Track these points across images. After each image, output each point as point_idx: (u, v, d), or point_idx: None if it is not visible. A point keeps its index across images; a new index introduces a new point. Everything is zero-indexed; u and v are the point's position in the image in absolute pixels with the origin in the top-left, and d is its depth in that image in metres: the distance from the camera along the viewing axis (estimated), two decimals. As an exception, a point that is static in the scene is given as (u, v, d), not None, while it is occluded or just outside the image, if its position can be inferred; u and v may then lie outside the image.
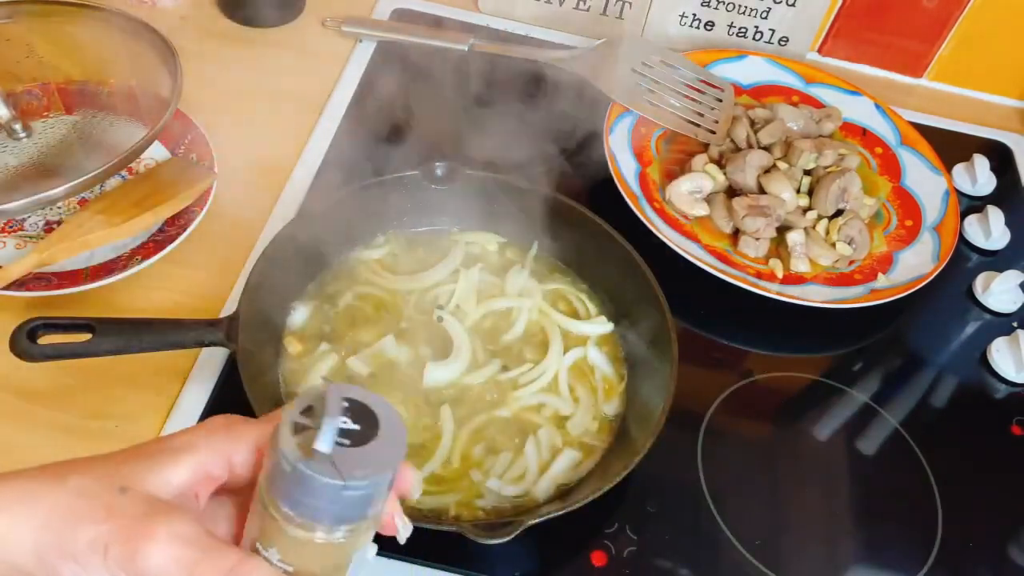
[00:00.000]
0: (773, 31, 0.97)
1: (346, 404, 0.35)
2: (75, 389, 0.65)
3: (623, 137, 0.84)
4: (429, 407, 0.64)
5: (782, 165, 0.81)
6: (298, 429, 0.34)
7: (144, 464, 0.39)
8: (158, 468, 0.38)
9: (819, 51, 1.00)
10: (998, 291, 0.79)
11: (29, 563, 0.36)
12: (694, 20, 0.97)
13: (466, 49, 0.91)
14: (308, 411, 0.35)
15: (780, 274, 0.77)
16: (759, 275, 0.77)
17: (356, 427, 0.35)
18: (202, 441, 0.39)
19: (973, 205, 0.88)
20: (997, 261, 0.84)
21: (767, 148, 0.83)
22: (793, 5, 0.94)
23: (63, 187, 0.64)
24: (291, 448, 0.33)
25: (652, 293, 0.66)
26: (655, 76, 0.88)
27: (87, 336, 0.59)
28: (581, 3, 0.97)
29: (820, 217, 0.80)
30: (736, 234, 0.79)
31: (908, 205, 0.84)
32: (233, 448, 0.39)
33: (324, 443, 0.33)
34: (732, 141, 0.85)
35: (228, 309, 0.70)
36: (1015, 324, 0.79)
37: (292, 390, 0.64)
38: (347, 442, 0.34)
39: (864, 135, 0.90)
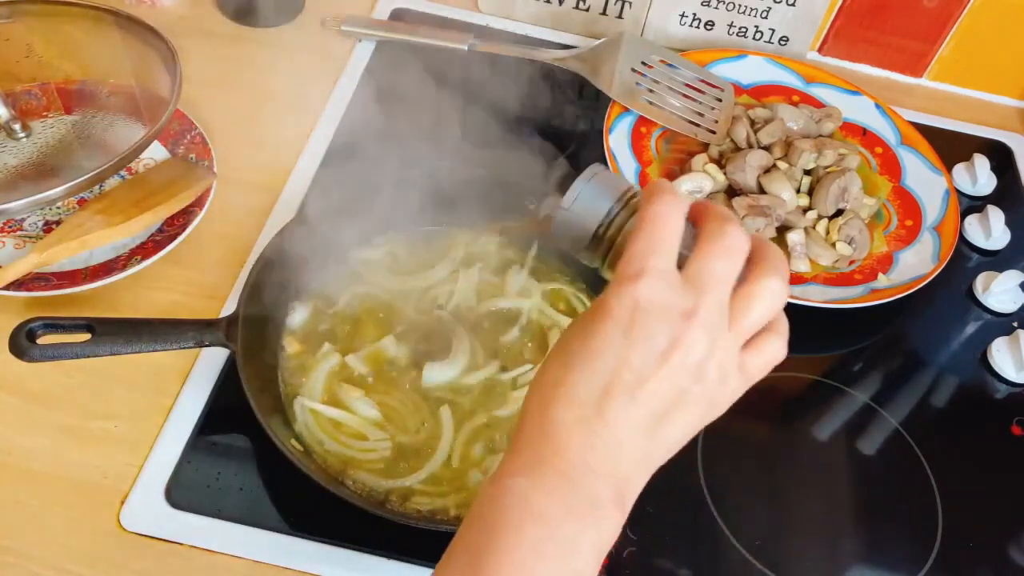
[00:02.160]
0: (773, 31, 0.97)
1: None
2: (75, 389, 0.65)
3: (623, 137, 0.84)
4: (428, 407, 0.64)
5: (782, 165, 0.81)
6: None
7: None
8: None
9: (819, 51, 1.00)
10: (998, 291, 0.79)
11: None
12: (694, 20, 0.97)
13: (466, 49, 0.91)
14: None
15: (780, 274, 0.77)
16: (759, 275, 0.76)
17: None
18: None
19: (973, 205, 0.88)
20: (997, 261, 0.84)
21: (767, 148, 0.83)
22: (793, 5, 0.94)
23: (62, 187, 0.64)
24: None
25: (652, 293, 0.66)
26: (655, 76, 0.88)
27: (86, 336, 0.59)
28: (581, 3, 0.97)
29: (820, 217, 0.80)
30: (736, 234, 0.79)
31: (908, 205, 0.84)
32: None
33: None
34: (732, 141, 0.85)
35: (228, 309, 0.70)
36: (1015, 324, 0.79)
37: (292, 390, 0.64)
38: None
39: (864, 135, 0.90)
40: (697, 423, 0.42)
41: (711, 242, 0.41)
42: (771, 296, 0.41)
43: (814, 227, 0.79)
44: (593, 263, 0.46)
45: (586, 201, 0.44)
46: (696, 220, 0.43)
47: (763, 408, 0.71)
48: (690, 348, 0.39)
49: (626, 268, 0.40)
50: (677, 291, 0.39)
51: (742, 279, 0.41)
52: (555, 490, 0.39)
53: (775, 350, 0.43)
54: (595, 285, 0.72)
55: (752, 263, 0.42)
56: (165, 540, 0.58)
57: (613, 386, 0.39)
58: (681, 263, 0.41)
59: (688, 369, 0.39)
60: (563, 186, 0.45)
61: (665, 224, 0.40)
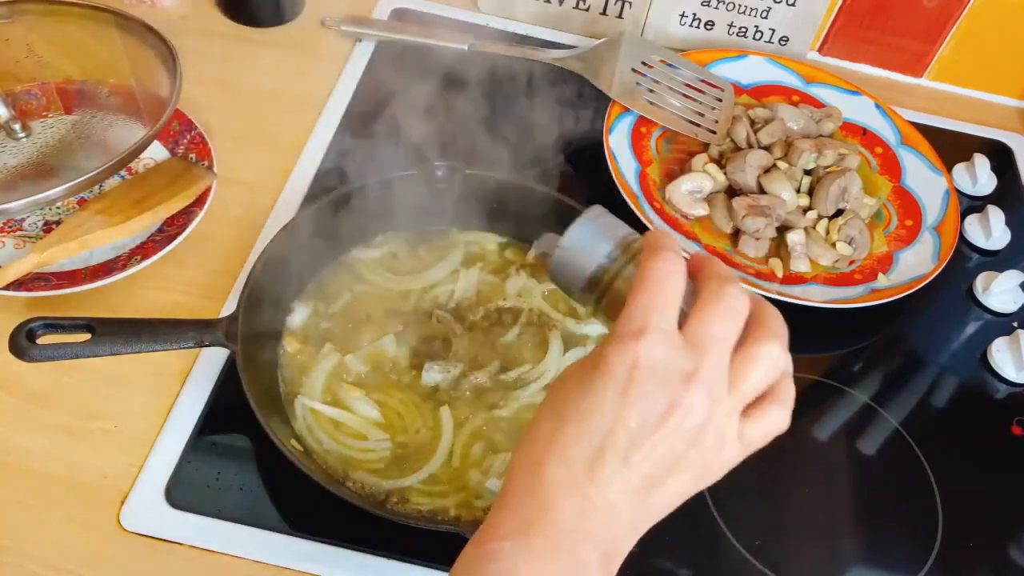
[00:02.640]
0: (773, 31, 0.97)
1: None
2: (74, 389, 0.65)
3: (623, 137, 0.84)
4: (428, 407, 0.64)
5: (782, 165, 0.81)
6: None
7: None
8: None
9: (819, 51, 1.00)
10: (998, 291, 0.79)
11: None
12: (694, 20, 0.97)
13: (466, 49, 0.91)
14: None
15: (780, 274, 0.77)
16: (759, 275, 0.76)
17: None
18: None
19: (973, 205, 0.88)
20: (997, 261, 0.84)
21: (767, 148, 0.83)
22: (793, 5, 0.94)
23: (62, 187, 0.64)
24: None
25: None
26: (655, 76, 0.88)
27: (86, 336, 0.59)
28: (581, 3, 0.97)
29: (820, 217, 0.80)
30: (736, 234, 0.79)
31: (908, 205, 0.84)
32: None
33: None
34: (732, 141, 0.85)
35: (228, 309, 0.70)
36: (1015, 324, 0.79)
37: (292, 390, 0.64)
38: None
39: (864, 135, 0.90)
40: (691, 489, 0.41)
41: (712, 303, 0.40)
42: (770, 361, 0.41)
43: (814, 227, 0.79)
44: (586, 305, 0.46)
45: (585, 243, 0.44)
46: (695, 276, 0.42)
47: (763, 408, 0.71)
48: (688, 412, 0.38)
49: (627, 325, 0.39)
50: (678, 352, 0.39)
51: (741, 342, 0.40)
52: (541, 558, 0.38)
53: (777, 420, 0.42)
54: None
55: (751, 327, 0.41)
56: (165, 540, 0.58)
57: (607, 448, 0.38)
58: (680, 320, 0.40)
59: (685, 433, 0.38)
60: (561, 223, 0.45)
61: (667, 282, 0.40)
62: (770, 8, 0.95)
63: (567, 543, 0.38)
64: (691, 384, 0.38)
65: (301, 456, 0.59)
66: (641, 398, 0.38)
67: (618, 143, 0.83)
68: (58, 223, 0.71)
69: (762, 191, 0.80)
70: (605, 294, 0.44)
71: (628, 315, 0.39)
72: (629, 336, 0.39)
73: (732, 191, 0.81)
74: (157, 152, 0.77)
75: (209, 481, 0.61)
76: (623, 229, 0.45)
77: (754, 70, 0.92)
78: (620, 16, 0.97)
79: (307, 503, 0.59)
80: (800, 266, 0.77)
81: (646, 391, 0.38)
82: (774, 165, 0.81)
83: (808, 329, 0.76)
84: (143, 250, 0.70)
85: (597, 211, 0.45)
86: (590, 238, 0.44)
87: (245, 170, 0.79)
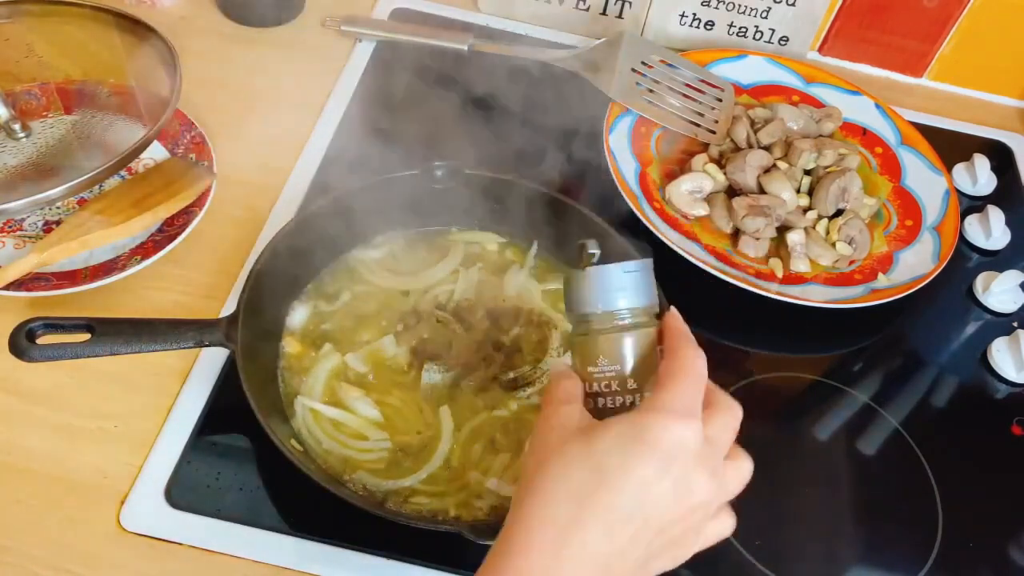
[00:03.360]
0: (773, 31, 0.97)
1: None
2: (74, 389, 0.65)
3: (623, 137, 0.84)
4: (428, 407, 0.64)
5: (782, 165, 0.81)
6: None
7: None
8: None
9: (819, 51, 1.00)
10: (998, 291, 0.79)
11: None
12: (694, 20, 0.97)
13: (466, 49, 0.91)
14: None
15: (780, 274, 0.77)
16: (759, 275, 0.76)
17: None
18: None
19: (973, 205, 0.88)
20: (997, 261, 0.84)
21: (767, 148, 0.83)
22: (793, 4, 0.94)
23: (62, 187, 0.64)
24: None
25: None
26: (655, 76, 0.88)
27: (86, 336, 0.59)
28: (581, 3, 0.97)
29: (820, 217, 0.80)
30: (736, 234, 0.79)
31: (908, 205, 0.84)
32: None
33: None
34: (732, 141, 0.85)
35: (227, 309, 0.70)
36: (1015, 324, 0.79)
37: (292, 390, 0.64)
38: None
39: (864, 135, 0.90)
40: (667, 567, 0.43)
41: (725, 412, 0.44)
42: (747, 476, 0.46)
43: (814, 227, 0.79)
44: (568, 322, 0.48)
45: (605, 283, 0.46)
46: (669, 351, 0.45)
47: (763, 408, 0.71)
48: (707, 504, 0.43)
49: (674, 403, 0.41)
50: (709, 446, 0.42)
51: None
52: None
53: (724, 527, 0.47)
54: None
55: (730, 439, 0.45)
56: (165, 540, 0.58)
57: (645, 521, 0.40)
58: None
59: (694, 522, 0.42)
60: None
61: (702, 377, 0.44)
62: (770, 8, 0.95)
63: None
64: (715, 479, 0.42)
65: (301, 456, 0.59)
66: (682, 480, 0.41)
67: (618, 143, 0.83)
68: (58, 223, 0.71)
69: (762, 191, 0.80)
70: (586, 335, 0.47)
71: (676, 395, 0.42)
72: (678, 416, 0.41)
73: (732, 191, 0.81)
74: (157, 152, 0.77)
75: (209, 481, 0.61)
76: (645, 299, 0.46)
77: (754, 70, 0.92)
78: (620, 16, 0.97)
79: (307, 503, 0.59)
80: (800, 266, 0.77)
81: (686, 474, 0.41)
82: (774, 165, 0.81)
83: (808, 329, 0.77)
84: (143, 250, 0.70)
85: (642, 265, 0.47)
86: (616, 284, 0.46)
87: (245, 170, 0.79)
